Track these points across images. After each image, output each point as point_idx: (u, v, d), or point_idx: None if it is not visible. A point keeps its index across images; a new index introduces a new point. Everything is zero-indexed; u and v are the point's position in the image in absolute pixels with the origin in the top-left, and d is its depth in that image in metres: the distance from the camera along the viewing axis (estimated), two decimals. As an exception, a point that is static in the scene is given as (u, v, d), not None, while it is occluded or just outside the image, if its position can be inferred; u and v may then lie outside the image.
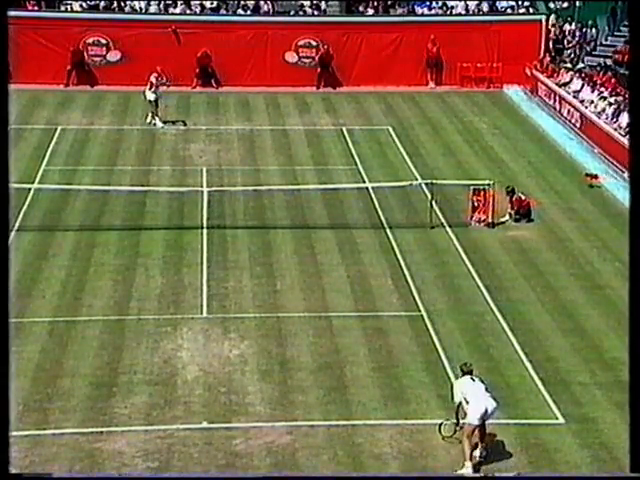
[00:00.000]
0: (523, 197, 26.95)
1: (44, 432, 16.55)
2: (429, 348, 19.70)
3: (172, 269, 23.26)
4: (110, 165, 30.90)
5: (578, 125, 34.84)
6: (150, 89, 34.81)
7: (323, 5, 43.34)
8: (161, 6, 42.65)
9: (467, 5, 43.13)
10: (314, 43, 41.04)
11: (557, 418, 17.33)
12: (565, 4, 44.61)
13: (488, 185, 26.43)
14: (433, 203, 26.48)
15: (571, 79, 37.96)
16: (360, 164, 31.22)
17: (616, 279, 22.82)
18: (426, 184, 27.42)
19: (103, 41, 40.41)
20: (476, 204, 26.37)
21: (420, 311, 21.27)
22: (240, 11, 42.52)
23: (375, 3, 43.27)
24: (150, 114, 35.12)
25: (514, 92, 40.75)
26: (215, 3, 42.57)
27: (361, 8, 43.51)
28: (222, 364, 18.94)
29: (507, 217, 26.66)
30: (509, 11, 43.19)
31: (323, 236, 25.44)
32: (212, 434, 16.65)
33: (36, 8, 41.37)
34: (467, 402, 15.73)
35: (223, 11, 42.69)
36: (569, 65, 40.04)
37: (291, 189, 28.41)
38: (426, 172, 29.84)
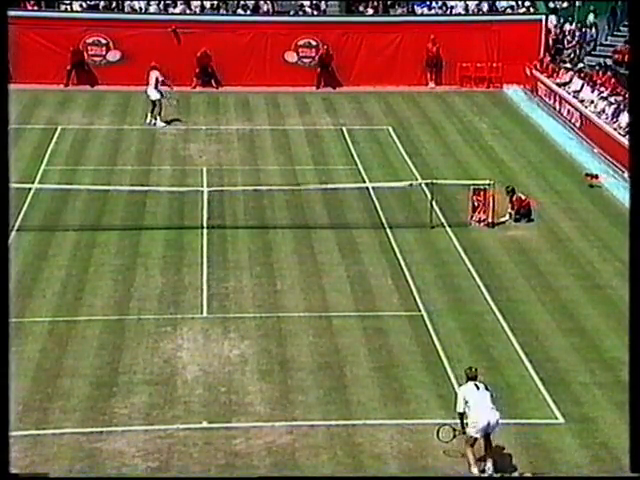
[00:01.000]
0: (523, 197, 26.94)
1: (44, 432, 16.55)
2: (429, 348, 19.69)
3: (172, 269, 23.26)
4: (110, 165, 30.89)
5: (578, 125, 34.83)
6: (155, 87, 34.73)
7: (323, 5, 43.33)
8: (161, 6, 42.65)
9: (467, 5, 43.12)
10: (314, 43, 41.03)
11: (557, 418, 17.33)
12: (565, 4, 44.63)
13: (488, 185, 26.43)
14: (433, 203, 26.47)
15: (571, 79, 37.95)
16: (360, 164, 31.20)
17: (616, 279, 22.82)
18: (426, 184, 27.42)
19: (103, 41, 40.39)
20: (476, 204, 26.36)
21: (420, 311, 21.27)
22: (240, 11, 42.51)
23: (375, 3, 43.25)
24: (150, 113, 35.11)
25: (514, 92, 40.73)
26: (215, 3, 42.58)
27: (361, 8, 43.49)
28: (222, 364, 18.94)
29: (507, 217, 26.65)
30: (509, 11, 43.16)
31: (323, 236, 25.43)
32: (212, 434, 16.65)
33: (36, 8, 41.35)
34: (469, 412, 15.36)
35: (223, 11, 42.68)
36: (569, 65, 40.03)
37: (291, 189, 28.43)
38: (426, 172, 29.84)
